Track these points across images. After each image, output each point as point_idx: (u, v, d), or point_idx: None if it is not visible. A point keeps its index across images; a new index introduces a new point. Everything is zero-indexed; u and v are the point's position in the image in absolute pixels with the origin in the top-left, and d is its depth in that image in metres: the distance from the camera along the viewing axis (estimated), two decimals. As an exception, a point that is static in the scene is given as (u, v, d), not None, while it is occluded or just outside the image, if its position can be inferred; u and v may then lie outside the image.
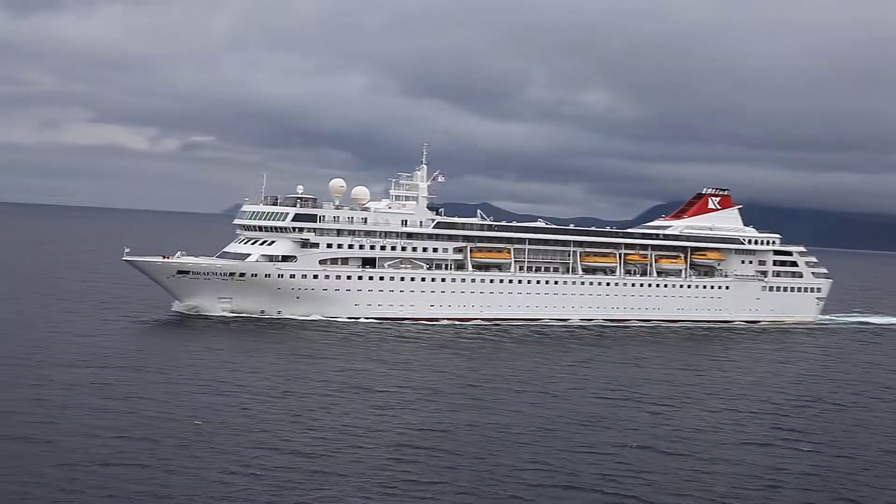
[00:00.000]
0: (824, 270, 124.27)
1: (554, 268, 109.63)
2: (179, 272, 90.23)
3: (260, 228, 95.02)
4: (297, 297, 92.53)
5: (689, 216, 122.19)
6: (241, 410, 50.97)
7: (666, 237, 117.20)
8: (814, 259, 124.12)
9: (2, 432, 43.30)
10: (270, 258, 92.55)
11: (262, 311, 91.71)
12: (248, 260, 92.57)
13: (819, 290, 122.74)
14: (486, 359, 78.22)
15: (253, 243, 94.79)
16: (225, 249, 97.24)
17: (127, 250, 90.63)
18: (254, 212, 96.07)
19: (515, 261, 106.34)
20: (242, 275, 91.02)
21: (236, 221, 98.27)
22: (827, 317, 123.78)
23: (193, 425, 46.57)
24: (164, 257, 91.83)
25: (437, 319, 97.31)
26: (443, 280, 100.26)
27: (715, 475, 43.57)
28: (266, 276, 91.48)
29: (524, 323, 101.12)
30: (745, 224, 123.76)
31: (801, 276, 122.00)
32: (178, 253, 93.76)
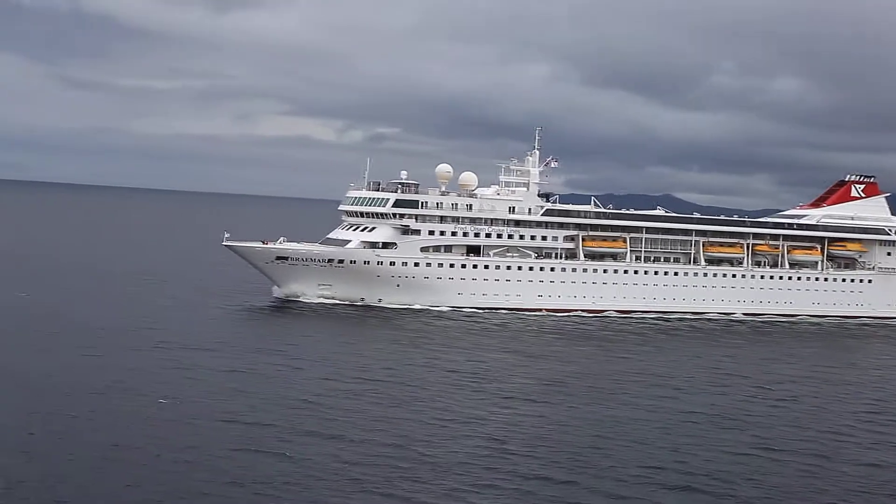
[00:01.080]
0: None
1: (675, 258, 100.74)
2: (278, 258, 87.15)
3: (361, 214, 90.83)
4: (398, 285, 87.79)
5: (829, 204, 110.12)
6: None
7: (800, 227, 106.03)
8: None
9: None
10: (371, 245, 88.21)
11: (363, 299, 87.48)
12: (347, 246, 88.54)
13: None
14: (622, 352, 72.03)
15: (355, 229, 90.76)
16: (328, 235, 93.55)
17: (227, 235, 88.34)
18: (356, 198, 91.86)
19: (632, 250, 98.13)
20: (341, 261, 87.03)
21: (340, 207, 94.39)
22: None
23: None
24: (263, 242, 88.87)
25: (544, 310, 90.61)
26: (552, 269, 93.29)
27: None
28: (365, 262, 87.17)
29: (639, 315, 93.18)
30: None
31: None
32: (280, 239, 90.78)
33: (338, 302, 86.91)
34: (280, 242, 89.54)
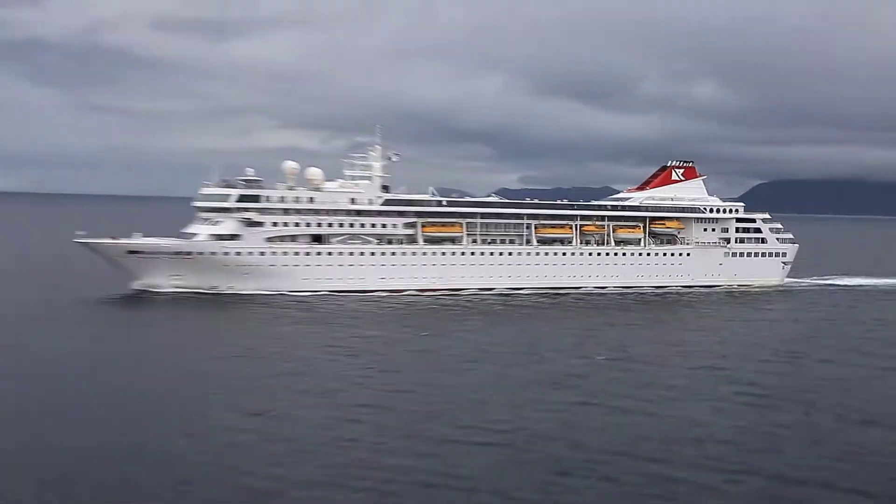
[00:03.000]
0: (790, 236, 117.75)
1: (510, 240, 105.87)
2: (130, 252, 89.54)
3: (210, 210, 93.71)
4: (246, 273, 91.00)
5: (653, 187, 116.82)
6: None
7: (623, 208, 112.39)
8: (779, 226, 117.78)
9: None
10: (217, 237, 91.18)
11: (215, 287, 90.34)
12: (194, 239, 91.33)
13: (784, 254, 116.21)
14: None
15: (205, 223, 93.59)
16: (182, 230, 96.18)
17: (79, 233, 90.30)
18: (206, 194, 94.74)
19: (468, 234, 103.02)
20: (189, 253, 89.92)
21: (193, 204, 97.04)
22: (793, 279, 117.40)
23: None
24: (113, 238, 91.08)
25: (386, 291, 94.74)
26: (392, 254, 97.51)
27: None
28: (212, 253, 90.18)
29: (479, 292, 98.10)
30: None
31: (764, 242, 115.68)
32: (136, 235, 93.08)
33: (190, 291, 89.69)
34: (134, 238, 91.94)
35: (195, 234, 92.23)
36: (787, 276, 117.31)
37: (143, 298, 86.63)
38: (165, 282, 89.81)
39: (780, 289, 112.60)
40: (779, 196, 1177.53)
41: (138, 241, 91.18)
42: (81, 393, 46.87)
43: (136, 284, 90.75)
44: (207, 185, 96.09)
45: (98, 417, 41.89)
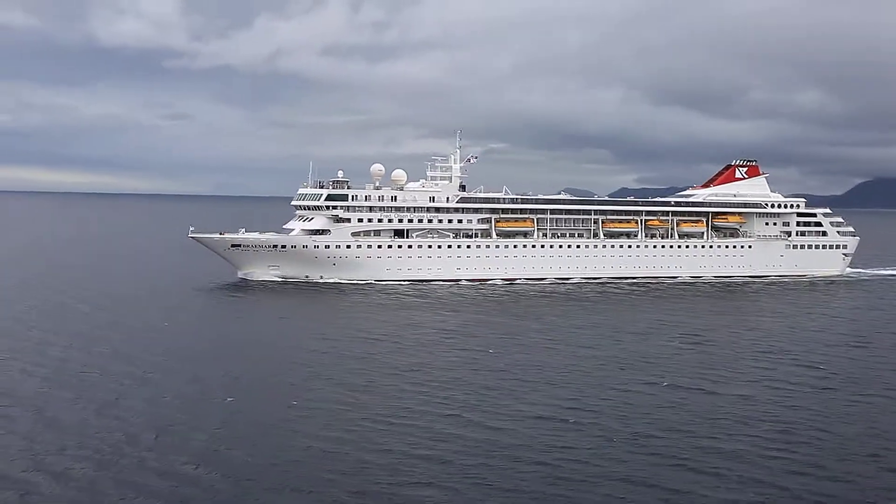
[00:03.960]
0: (851, 229, 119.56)
1: (579, 234, 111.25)
2: (233, 245, 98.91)
3: (304, 207, 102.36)
4: (334, 264, 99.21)
5: (717, 185, 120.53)
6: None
7: (686, 204, 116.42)
8: (840, 220, 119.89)
9: None
10: (309, 232, 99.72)
11: (307, 276, 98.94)
12: (290, 234, 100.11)
13: (845, 246, 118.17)
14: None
15: (300, 220, 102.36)
16: (283, 226, 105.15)
17: (192, 229, 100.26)
18: (301, 194, 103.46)
19: (538, 229, 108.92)
20: (283, 247, 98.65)
21: (292, 203, 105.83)
22: (856, 270, 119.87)
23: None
24: (220, 233, 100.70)
25: (462, 280, 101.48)
26: (468, 247, 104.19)
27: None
28: (303, 247, 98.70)
29: (551, 281, 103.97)
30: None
31: (825, 235, 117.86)
32: (241, 230, 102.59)
33: (286, 279, 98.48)
34: (240, 233, 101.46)
35: (291, 230, 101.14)
36: (849, 267, 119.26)
37: (247, 286, 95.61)
38: (265, 272, 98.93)
39: (842, 279, 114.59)
40: (880, 193, 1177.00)
41: (240, 235, 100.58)
42: (228, 374, 51.09)
43: (241, 274, 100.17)
44: (304, 186, 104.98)
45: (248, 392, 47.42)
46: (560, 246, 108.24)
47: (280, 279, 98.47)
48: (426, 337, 65.43)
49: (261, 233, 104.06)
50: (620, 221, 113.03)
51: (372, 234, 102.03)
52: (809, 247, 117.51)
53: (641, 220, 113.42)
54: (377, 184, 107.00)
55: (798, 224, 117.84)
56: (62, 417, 40.80)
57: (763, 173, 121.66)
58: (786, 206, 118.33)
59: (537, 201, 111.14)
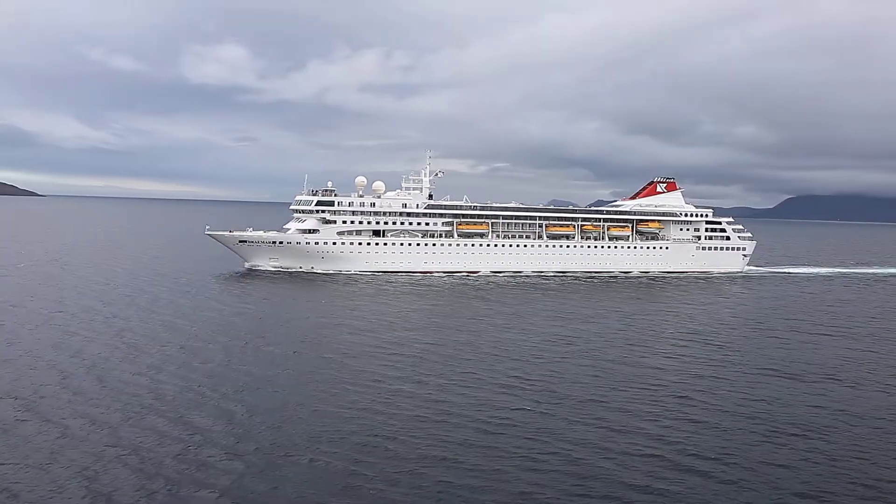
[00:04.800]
0: (749, 235, 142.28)
1: (526, 236, 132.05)
2: (240, 241, 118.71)
3: (299, 211, 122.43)
4: (322, 258, 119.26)
5: (641, 197, 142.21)
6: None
7: (615, 212, 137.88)
8: (741, 227, 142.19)
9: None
10: (302, 231, 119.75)
11: (301, 267, 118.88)
12: (287, 232, 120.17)
13: (744, 249, 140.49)
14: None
15: (296, 221, 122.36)
16: (283, 226, 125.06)
17: (207, 227, 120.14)
18: (297, 200, 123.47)
19: (492, 231, 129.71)
20: (281, 242, 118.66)
21: (290, 207, 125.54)
22: (753, 268, 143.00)
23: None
24: (230, 231, 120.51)
25: (426, 272, 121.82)
26: (433, 245, 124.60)
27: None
28: (297, 243, 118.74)
29: (505, 275, 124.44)
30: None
31: (728, 239, 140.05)
32: (249, 229, 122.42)
33: (284, 269, 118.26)
34: (247, 231, 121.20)
35: (288, 229, 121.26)
36: (748, 265, 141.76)
37: (252, 274, 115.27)
38: (266, 263, 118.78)
39: (740, 275, 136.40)
40: (803, 206, 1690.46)
41: (246, 233, 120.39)
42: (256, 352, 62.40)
43: (247, 265, 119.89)
44: (300, 194, 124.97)
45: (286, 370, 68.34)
46: (510, 245, 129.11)
47: (278, 269, 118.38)
48: (398, 315, 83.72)
49: (265, 231, 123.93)
50: (560, 226, 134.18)
51: (354, 234, 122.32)
52: (715, 248, 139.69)
53: (578, 225, 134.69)
54: (360, 192, 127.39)
55: (706, 230, 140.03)
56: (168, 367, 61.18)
57: (679, 188, 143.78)
58: (696, 216, 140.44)
59: (492, 208, 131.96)
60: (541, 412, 44.56)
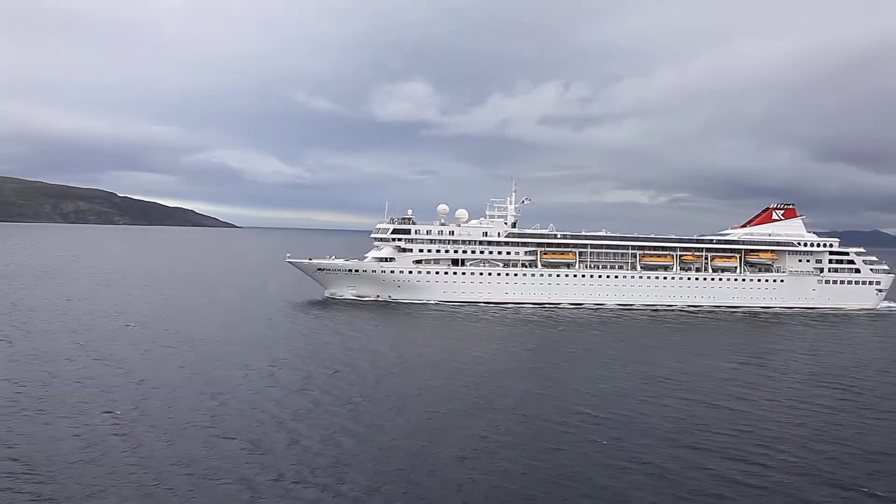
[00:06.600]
0: (885, 267, 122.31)
1: (619, 266, 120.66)
2: (319, 269, 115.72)
3: (377, 239, 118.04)
4: (399, 286, 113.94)
5: (754, 225, 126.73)
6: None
7: (719, 241, 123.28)
8: (873, 258, 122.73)
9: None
10: (379, 259, 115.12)
11: (378, 296, 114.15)
12: (364, 261, 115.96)
13: (878, 283, 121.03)
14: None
15: (375, 250, 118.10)
16: (364, 254, 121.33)
17: (288, 255, 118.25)
18: (377, 228, 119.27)
19: (580, 261, 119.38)
20: (357, 271, 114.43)
21: (371, 235, 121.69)
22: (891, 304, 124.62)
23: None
24: (309, 259, 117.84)
25: (508, 303, 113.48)
26: (515, 275, 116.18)
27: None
28: (373, 271, 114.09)
29: (590, 307, 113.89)
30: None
31: (858, 272, 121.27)
32: (330, 256, 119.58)
33: (361, 298, 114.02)
34: (328, 259, 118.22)
35: (366, 257, 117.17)
36: (885, 301, 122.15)
37: (331, 302, 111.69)
38: (345, 291, 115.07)
39: (873, 312, 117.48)
40: None
41: (324, 261, 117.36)
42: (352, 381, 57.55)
43: (327, 293, 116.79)
44: (380, 222, 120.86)
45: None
46: (600, 276, 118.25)
47: (356, 297, 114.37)
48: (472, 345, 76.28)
49: (345, 259, 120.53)
50: (657, 255, 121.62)
51: (432, 262, 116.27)
52: (841, 282, 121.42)
53: (676, 255, 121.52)
54: (442, 220, 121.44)
55: (831, 261, 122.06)
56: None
57: (800, 216, 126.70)
58: (819, 245, 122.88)
59: (579, 237, 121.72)
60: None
